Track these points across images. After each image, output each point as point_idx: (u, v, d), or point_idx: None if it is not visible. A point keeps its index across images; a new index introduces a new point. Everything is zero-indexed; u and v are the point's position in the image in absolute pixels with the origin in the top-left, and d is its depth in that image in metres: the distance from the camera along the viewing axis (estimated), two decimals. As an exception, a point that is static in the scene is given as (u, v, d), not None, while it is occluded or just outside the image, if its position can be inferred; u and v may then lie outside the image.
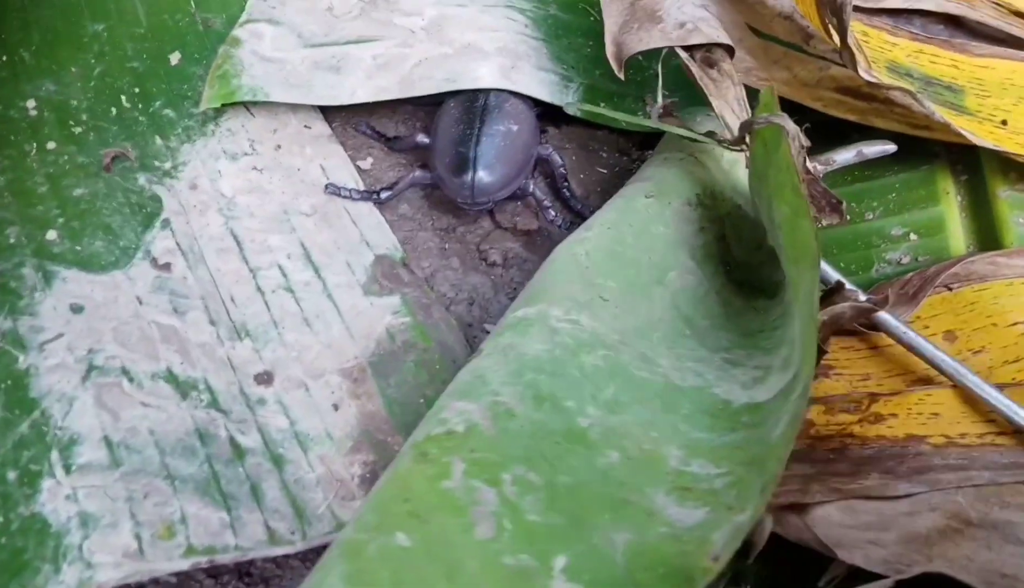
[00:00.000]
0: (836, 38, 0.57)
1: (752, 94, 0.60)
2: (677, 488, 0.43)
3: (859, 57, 0.56)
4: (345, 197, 0.66)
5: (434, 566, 0.38)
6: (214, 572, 0.51)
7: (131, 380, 0.54)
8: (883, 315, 0.54)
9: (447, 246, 0.66)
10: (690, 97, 0.66)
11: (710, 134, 0.57)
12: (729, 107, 0.55)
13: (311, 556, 0.52)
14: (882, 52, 0.63)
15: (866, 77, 0.56)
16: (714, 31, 0.59)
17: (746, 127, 0.51)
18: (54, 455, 0.50)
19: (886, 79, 0.60)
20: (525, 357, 0.48)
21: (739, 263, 0.58)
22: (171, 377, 0.55)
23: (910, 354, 0.54)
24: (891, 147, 0.60)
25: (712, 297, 0.56)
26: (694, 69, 0.58)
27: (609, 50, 0.62)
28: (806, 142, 0.49)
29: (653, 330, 0.53)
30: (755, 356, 0.51)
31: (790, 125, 0.48)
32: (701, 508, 0.41)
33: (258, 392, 0.56)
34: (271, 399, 0.56)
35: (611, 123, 0.70)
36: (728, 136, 0.55)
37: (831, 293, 0.53)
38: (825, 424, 0.52)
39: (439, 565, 0.39)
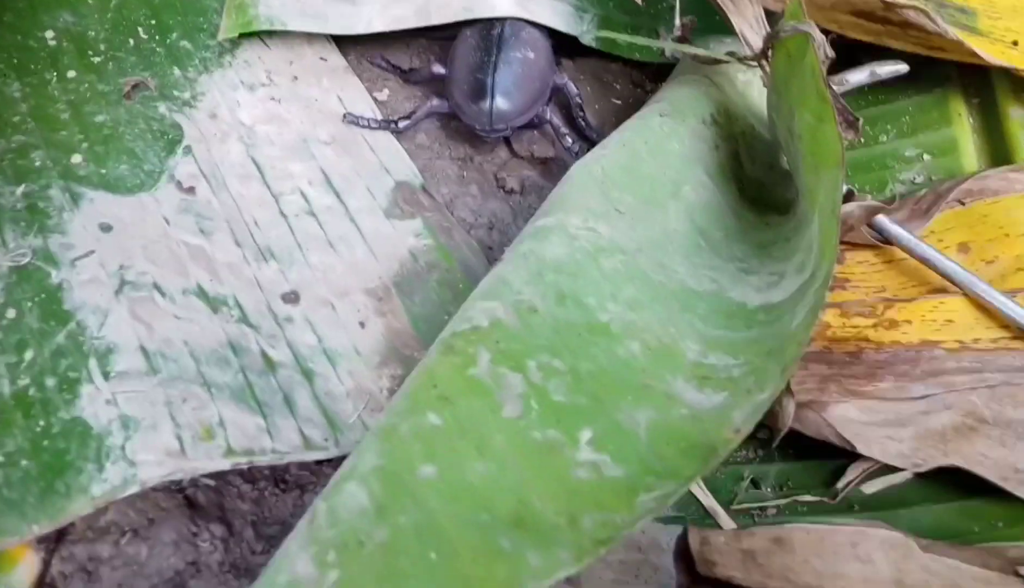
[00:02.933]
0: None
1: (769, 17, 0.62)
2: (696, 376, 0.46)
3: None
4: (363, 126, 0.68)
5: (464, 440, 0.41)
6: (250, 478, 0.54)
7: (163, 295, 0.56)
8: (896, 228, 0.56)
9: (465, 174, 0.68)
10: (705, 26, 0.69)
11: (730, 53, 0.59)
12: (748, 24, 0.57)
13: (343, 463, 0.54)
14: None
15: None
16: (731, -47, 0.62)
17: (772, 37, 0.53)
18: (91, 363, 0.52)
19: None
20: (545, 260, 0.51)
21: (752, 181, 0.61)
22: (201, 293, 0.57)
23: (924, 267, 0.56)
24: (903, 67, 0.63)
25: (726, 211, 0.58)
26: None
27: None
28: (831, 52, 0.51)
29: (668, 241, 0.55)
30: (768, 264, 0.54)
31: (816, 33, 0.50)
32: (720, 393, 0.44)
33: (286, 310, 0.58)
34: (298, 317, 0.58)
35: (625, 54, 0.72)
36: (747, 52, 0.57)
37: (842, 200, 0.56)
38: (841, 326, 0.54)
39: (469, 440, 0.41)
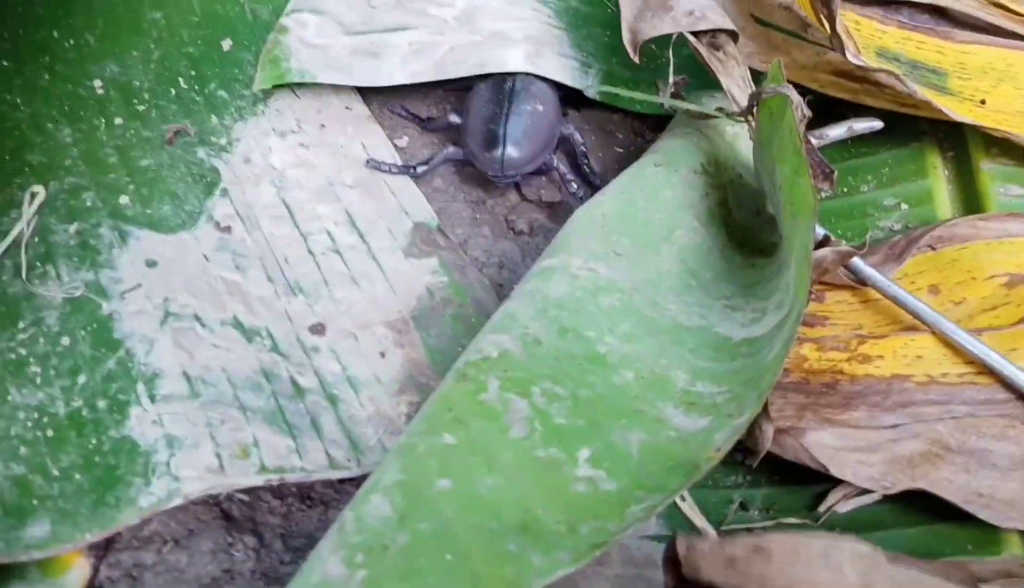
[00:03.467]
0: (827, 26, 0.65)
1: (755, 76, 0.68)
2: (684, 403, 0.51)
3: (848, 43, 0.64)
4: (385, 171, 0.74)
5: (476, 457, 0.47)
6: (280, 494, 0.59)
7: (203, 325, 0.62)
8: (870, 271, 0.62)
9: (478, 216, 0.74)
10: (698, 82, 0.75)
11: (719, 109, 0.65)
12: (735, 83, 0.63)
13: (365, 481, 0.60)
14: (872, 39, 0.71)
15: (854, 61, 0.64)
16: (720, 18, 0.68)
17: (755, 97, 0.59)
18: (139, 387, 0.58)
19: (874, 63, 0.69)
20: (549, 298, 0.56)
21: (739, 226, 0.66)
22: (237, 324, 0.63)
23: (896, 307, 0.62)
24: (878, 124, 0.68)
25: (715, 254, 0.64)
26: (702, 51, 0.66)
27: (625, 36, 0.70)
28: (807, 112, 0.57)
29: (662, 281, 0.61)
30: (752, 302, 0.59)
31: (794, 95, 0.56)
32: (705, 417, 0.50)
33: (313, 341, 0.64)
34: (324, 347, 0.64)
35: (627, 106, 0.78)
36: (735, 109, 0.63)
37: (819, 245, 0.61)
38: (818, 359, 0.60)
39: (480, 457, 0.47)
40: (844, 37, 0.63)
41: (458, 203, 0.75)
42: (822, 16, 0.65)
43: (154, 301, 0.62)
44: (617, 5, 0.80)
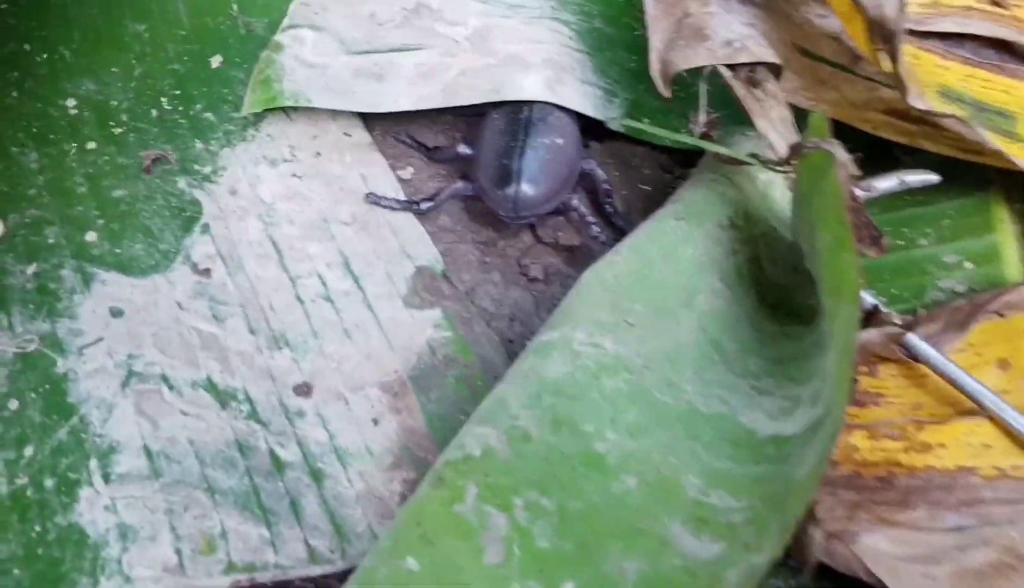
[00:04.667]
0: (886, 62, 0.56)
1: (800, 114, 0.59)
2: (694, 518, 0.42)
3: (910, 84, 0.55)
4: (385, 207, 0.65)
5: (440, 589, 0.38)
6: (252, 588, 0.51)
7: (171, 388, 0.53)
8: (925, 347, 0.53)
9: (488, 260, 0.65)
10: (732, 116, 0.66)
11: (752, 156, 0.56)
12: (773, 127, 0.54)
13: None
14: (933, 75, 0.62)
15: (918, 105, 0.55)
16: (761, 49, 0.59)
17: (796, 150, 0.50)
18: (93, 463, 0.50)
19: (937, 105, 0.59)
20: (545, 380, 0.48)
21: (773, 285, 0.57)
22: (211, 386, 0.54)
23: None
24: (934, 178, 0.59)
25: (743, 321, 0.55)
26: (737, 88, 0.57)
27: (654, 67, 0.61)
28: (856, 171, 0.48)
29: (679, 354, 0.52)
30: (784, 386, 0.51)
31: (841, 153, 0.47)
32: (717, 542, 0.41)
33: (297, 403, 0.55)
34: (310, 411, 0.55)
35: (654, 140, 0.69)
36: (772, 156, 0.54)
37: (867, 317, 0.52)
38: (870, 449, 0.51)
39: (445, 588, 0.38)
40: (906, 78, 0.54)
41: (466, 244, 0.66)
42: (879, 51, 0.56)
43: (116, 358, 0.54)
44: (644, 27, 0.72)
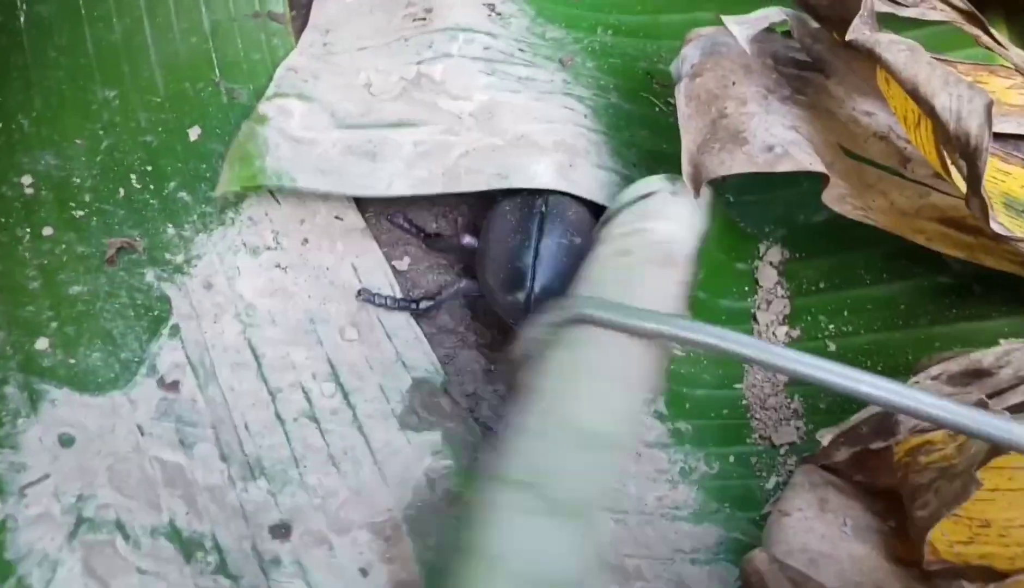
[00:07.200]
0: (956, 178, 0.48)
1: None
2: None
3: (991, 207, 0.47)
4: (379, 305, 0.56)
5: None
6: None
7: (126, 538, 0.44)
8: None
9: (493, 368, 0.57)
10: (763, 207, 0.59)
11: None
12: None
13: None
14: (995, 183, 0.54)
15: (999, 231, 0.47)
16: (805, 156, 0.51)
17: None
18: (29, 643, 0.41)
19: (1001, 217, 0.52)
20: None
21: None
22: (174, 533, 0.45)
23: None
24: None
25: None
26: None
27: (686, 171, 0.53)
28: None
29: None
30: None
31: None
32: None
33: (272, 549, 0.47)
34: (287, 559, 0.47)
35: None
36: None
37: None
38: None
39: None
40: (989, 200, 0.46)
41: (469, 349, 0.57)
42: (952, 167, 0.48)
43: (64, 500, 0.45)
44: (666, 103, 0.64)
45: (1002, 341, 0.47)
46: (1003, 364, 0.45)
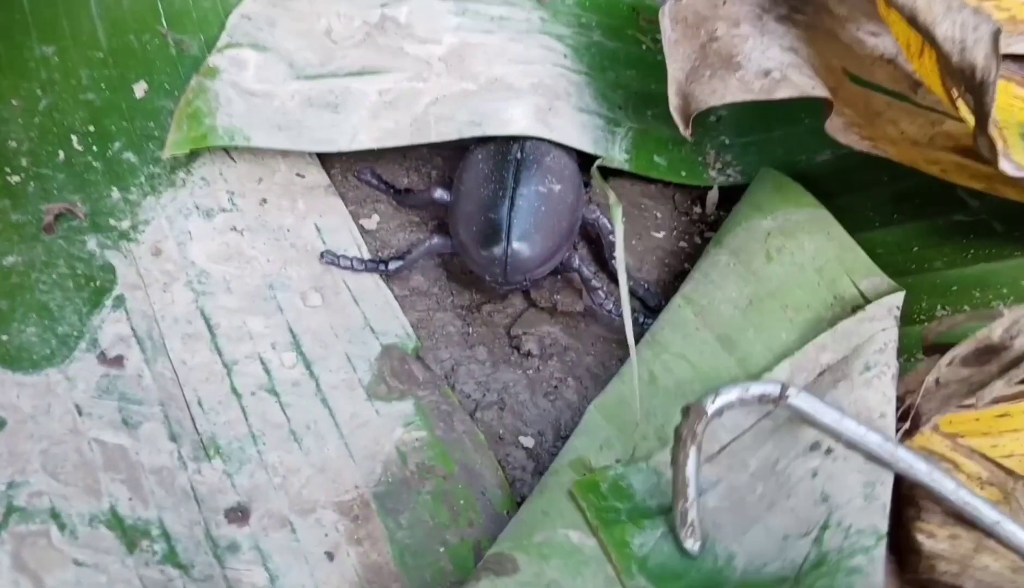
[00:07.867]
0: (964, 112, 0.43)
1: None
2: None
3: (1000, 143, 0.42)
4: (345, 267, 0.52)
5: None
6: None
7: (61, 527, 0.40)
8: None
9: (471, 330, 0.52)
10: (761, 144, 0.54)
11: None
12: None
13: None
14: (1011, 111, 0.49)
15: (1012, 172, 0.42)
16: (805, 80, 0.46)
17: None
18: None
19: (1018, 150, 0.46)
20: None
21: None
22: (115, 520, 0.41)
23: None
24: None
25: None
26: None
27: (673, 102, 0.48)
28: None
29: None
30: None
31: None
32: None
33: (229, 534, 0.42)
34: (246, 544, 0.42)
35: (666, 177, 0.56)
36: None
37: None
38: None
39: None
40: (997, 138, 0.41)
41: (444, 311, 0.52)
42: (960, 102, 0.43)
43: (-8, 489, 0.40)
44: (654, 41, 0.59)
45: (1004, 310, 0.42)
46: (1014, 335, 0.40)
